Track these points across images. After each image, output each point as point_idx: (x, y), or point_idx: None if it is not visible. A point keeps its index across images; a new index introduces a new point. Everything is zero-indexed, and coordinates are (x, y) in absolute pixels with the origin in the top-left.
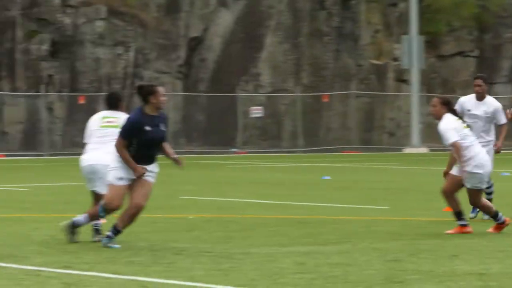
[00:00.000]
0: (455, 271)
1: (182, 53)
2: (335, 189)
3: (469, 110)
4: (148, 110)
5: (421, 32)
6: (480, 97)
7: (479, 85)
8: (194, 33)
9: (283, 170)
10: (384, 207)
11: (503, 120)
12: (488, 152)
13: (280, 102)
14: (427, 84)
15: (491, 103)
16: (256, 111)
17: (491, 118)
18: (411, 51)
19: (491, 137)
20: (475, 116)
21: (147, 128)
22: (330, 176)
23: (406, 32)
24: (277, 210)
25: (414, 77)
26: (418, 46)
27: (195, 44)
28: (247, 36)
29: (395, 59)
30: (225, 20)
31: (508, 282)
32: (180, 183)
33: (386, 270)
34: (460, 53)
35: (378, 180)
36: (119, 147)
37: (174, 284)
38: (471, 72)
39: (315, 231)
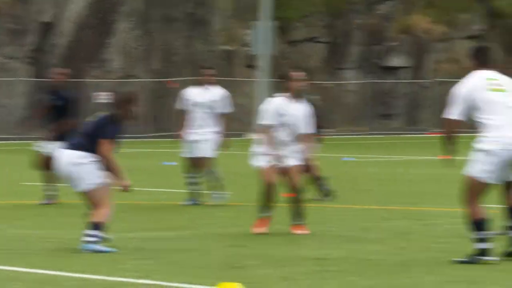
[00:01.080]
0: (294, 256)
1: (33, 38)
2: (178, 175)
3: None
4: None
5: (274, 18)
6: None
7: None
8: (46, 18)
9: (129, 156)
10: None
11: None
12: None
13: (128, 88)
14: (279, 70)
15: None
16: (102, 97)
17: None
18: (260, 36)
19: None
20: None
21: None
22: (176, 162)
23: (258, 18)
24: (118, 195)
25: (262, 63)
26: (267, 31)
27: (47, 29)
28: (99, 21)
29: (246, 45)
30: (78, 5)
31: (347, 266)
32: (20, 170)
33: (226, 256)
34: (311, 39)
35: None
36: None
37: (6, 270)
38: (321, 57)
39: (156, 217)
